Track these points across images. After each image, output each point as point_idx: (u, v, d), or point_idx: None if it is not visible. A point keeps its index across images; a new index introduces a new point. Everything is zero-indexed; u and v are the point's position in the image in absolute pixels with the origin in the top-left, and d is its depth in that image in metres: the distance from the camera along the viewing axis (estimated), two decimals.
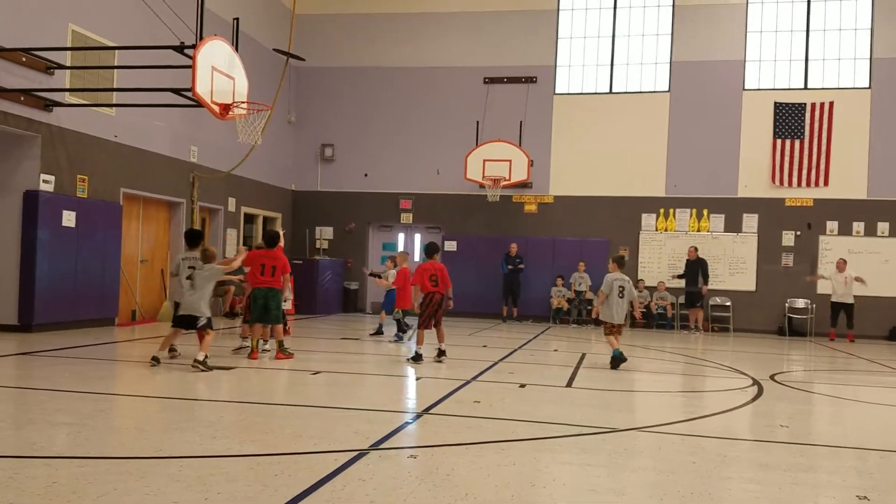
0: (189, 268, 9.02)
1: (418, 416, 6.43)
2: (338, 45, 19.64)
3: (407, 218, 19.49)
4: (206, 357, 8.46)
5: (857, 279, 16.05)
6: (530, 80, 18.80)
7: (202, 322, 8.73)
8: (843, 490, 4.57)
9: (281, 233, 10.61)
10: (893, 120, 17.22)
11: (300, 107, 19.76)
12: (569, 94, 18.81)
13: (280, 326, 9.63)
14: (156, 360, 8.62)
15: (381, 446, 5.19)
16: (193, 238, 9.55)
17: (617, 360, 9.87)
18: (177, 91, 10.74)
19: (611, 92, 18.66)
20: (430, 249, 10.22)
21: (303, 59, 18.70)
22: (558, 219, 18.61)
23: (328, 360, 9.73)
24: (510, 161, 17.34)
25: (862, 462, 5.44)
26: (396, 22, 19.44)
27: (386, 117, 19.45)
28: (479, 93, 18.95)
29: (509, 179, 17.37)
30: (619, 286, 10.06)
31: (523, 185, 18.14)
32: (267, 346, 9.92)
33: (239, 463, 4.67)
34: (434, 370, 9.88)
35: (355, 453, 4.91)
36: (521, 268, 17.93)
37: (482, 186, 17.79)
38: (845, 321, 16.32)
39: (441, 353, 10.02)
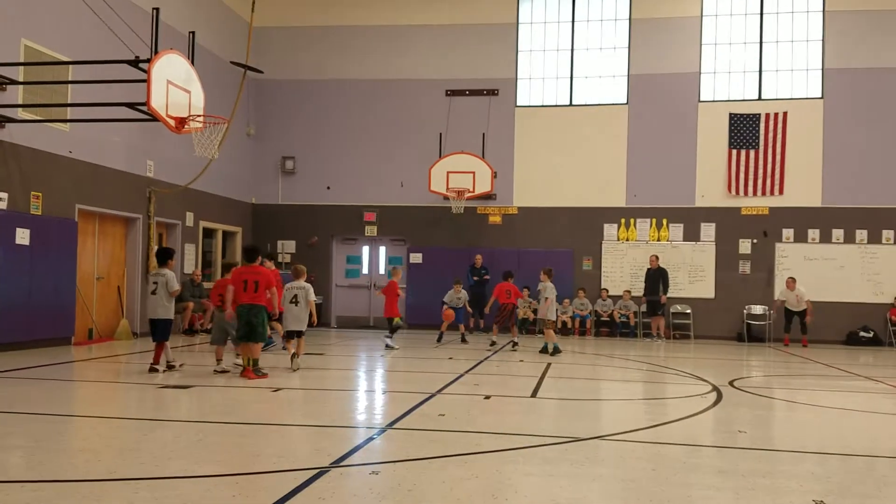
0: (154, 283, 9.64)
1: (382, 430, 6.38)
2: (298, 58, 19.55)
3: (371, 230, 19.41)
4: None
5: (808, 305, 16.52)
6: (492, 92, 18.91)
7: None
8: (800, 495, 4.63)
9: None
10: (846, 129, 17.68)
11: (260, 119, 19.61)
12: (530, 106, 18.96)
13: (258, 345, 9.53)
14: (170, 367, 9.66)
15: (342, 463, 5.13)
16: (161, 256, 9.94)
17: (556, 350, 12.87)
18: (132, 105, 10.59)
19: (571, 104, 18.86)
20: (508, 274, 14.36)
21: (261, 72, 18.57)
22: (522, 230, 18.71)
23: (290, 377, 9.61)
24: (474, 173, 17.40)
25: (820, 466, 5.53)
26: (357, 35, 19.43)
27: (348, 129, 19.39)
28: (442, 105, 19.01)
29: (473, 191, 17.42)
30: (539, 290, 13.33)
31: (487, 196, 18.21)
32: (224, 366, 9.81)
33: (196, 484, 4.57)
34: (400, 384, 9.84)
35: (316, 471, 4.84)
36: (486, 279, 17.93)
37: (446, 198, 17.82)
38: (800, 327, 16.68)
39: (515, 343, 13.92)
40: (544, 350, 12.99)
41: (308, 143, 19.46)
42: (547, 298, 12.98)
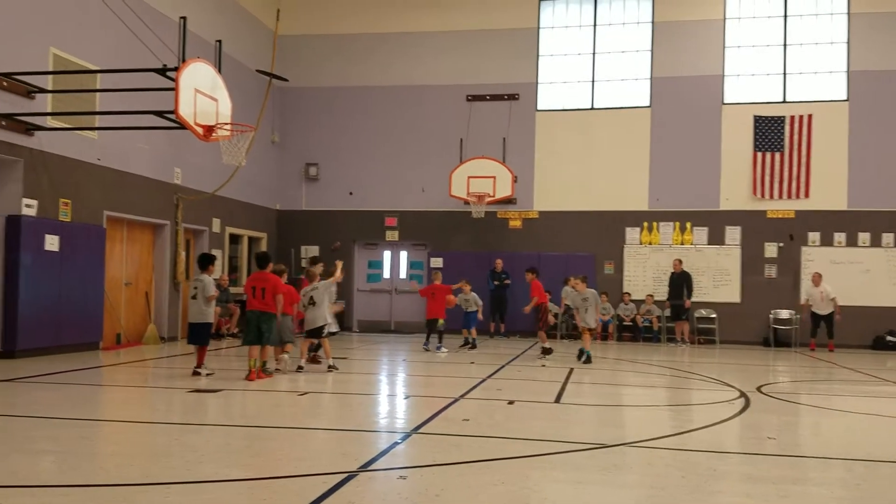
0: (194, 288, 9.91)
1: (407, 435, 6.40)
2: (321, 66, 19.69)
3: (392, 235, 19.49)
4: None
5: (833, 303, 16.32)
6: (512, 97, 18.92)
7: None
8: (830, 501, 4.59)
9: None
10: (871, 131, 17.47)
11: (284, 127, 19.77)
12: (551, 110, 18.93)
13: (270, 348, 9.83)
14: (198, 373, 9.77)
15: (370, 468, 5.16)
16: (202, 261, 10.27)
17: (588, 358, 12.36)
18: (160, 113, 10.73)
19: (592, 108, 18.81)
20: (536, 270, 13.68)
21: (286, 80, 18.75)
22: (543, 234, 18.68)
23: (315, 381, 9.68)
24: (494, 177, 17.42)
25: (849, 472, 5.47)
26: (379, 42, 19.53)
27: (370, 136, 19.50)
28: (462, 110, 19.05)
29: (494, 195, 17.44)
30: (583, 298, 12.63)
31: (508, 200, 18.21)
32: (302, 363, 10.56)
33: (226, 488, 4.62)
34: (423, 388, 9.86)
35: (344, 475, 4.88)
36: (507, 283, 17.95)
37: (467, 203, 17.85)
38: (826, 331, 16.50)
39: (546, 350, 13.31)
40: (588, 359, 12.36)
41: (331, 149, 19.59)
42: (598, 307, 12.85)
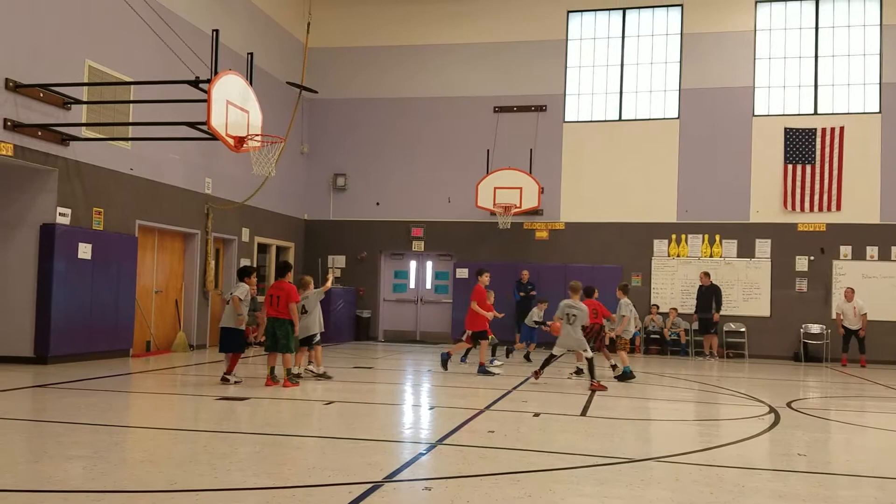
0: (229, 293, 10.26)
1: (432, 446, 6.41)
2: (349, 77, 19.88)
3: (419, 246, 19.55)
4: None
5: (863, 319, 16.13)
6: (540, 108, 18.92)
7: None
8: None
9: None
10: None
11: (313, 138, 19.96)
12: (578, 121, 18.90)
13: (289, 355, 9.96)
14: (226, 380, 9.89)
15: (395, 478, 5.18)
16: (239, 273, 10.59)
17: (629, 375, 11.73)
18: (192, 125, 10.90)
19: (620, 119, 18.75)
20: (589, 291, 12.28)
21: (315, 92, 18.94)
22: (570, 245, 18.61)
23: (341, 390, 9.73)
24: (521, 188, 17.41)
25: (881, 491, 5.37)
26: (407, 54, 19.67)
27: (397, 147, 19.61)
28: (489, 121, 19.09)
29: (520, 207, 17.43)
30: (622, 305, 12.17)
31: (534, 212, 18.17)
32: (311, 368, 10.70)
33: (254, 496, 4.67)
34: (448, 399, 9.86)
35: (370, 485, 4.90)
36: (532, 294, 17.88)
37: (493, 214, 17.85)
38: (857, 346, 16.23)
39: (615, 366, 12.16)
40: (624, 376, 11.71)
41: (358, 160, 19.74)
42: (624, 316, 11.94)
